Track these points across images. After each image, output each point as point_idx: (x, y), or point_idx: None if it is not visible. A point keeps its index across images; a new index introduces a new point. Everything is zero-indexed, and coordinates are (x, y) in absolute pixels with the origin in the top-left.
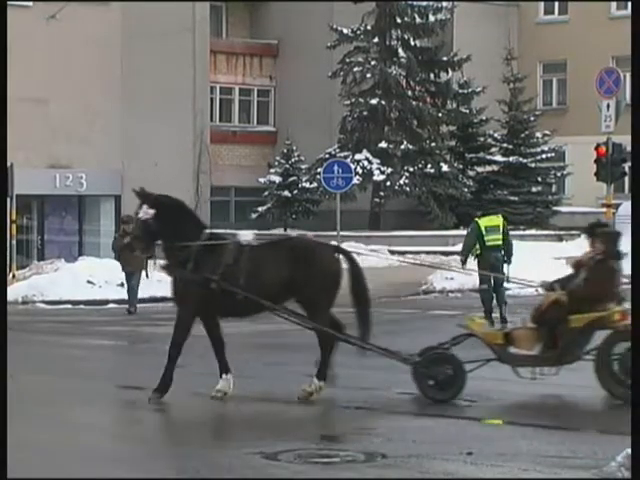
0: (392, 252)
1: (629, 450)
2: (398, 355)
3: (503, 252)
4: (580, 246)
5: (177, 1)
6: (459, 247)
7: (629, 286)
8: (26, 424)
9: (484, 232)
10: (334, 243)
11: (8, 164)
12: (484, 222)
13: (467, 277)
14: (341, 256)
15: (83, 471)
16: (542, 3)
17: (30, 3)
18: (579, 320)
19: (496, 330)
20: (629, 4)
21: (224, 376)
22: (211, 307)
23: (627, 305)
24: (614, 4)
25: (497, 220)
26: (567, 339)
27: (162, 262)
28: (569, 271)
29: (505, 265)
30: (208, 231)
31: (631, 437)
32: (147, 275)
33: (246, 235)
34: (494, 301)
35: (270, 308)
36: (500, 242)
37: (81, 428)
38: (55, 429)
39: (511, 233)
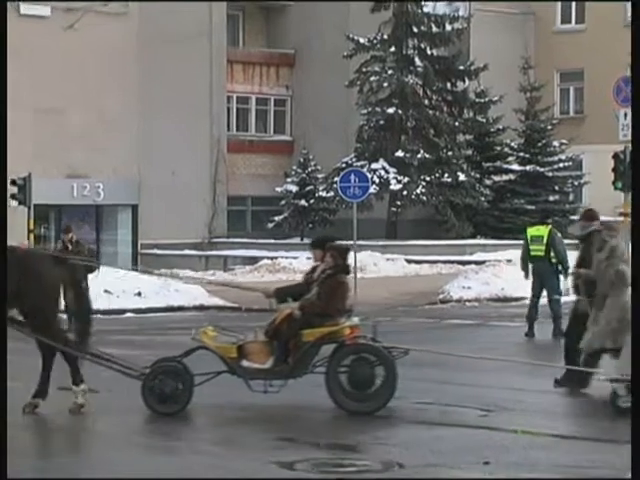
0: (409, 261)
1: None
2: (124, 365)
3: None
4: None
5: (196, 1)
6: (476, 256)
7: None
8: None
9: (529, 241)
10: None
11: (26, 174)
12: (531, 231)
13: (484, 286)
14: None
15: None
16: (559, 11)
17: (48, 13)
18: (311, 334)
19: (229, 343)
20: None
21: None
22: None
23: (355, 319)
24: (630, 12)
25: (543, 230)
26: (299, 353)
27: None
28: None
29: (561, 276)
30: None
31: (631, 440)
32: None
33: None
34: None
35: None
36: (542, 253)
37: (99, 437)
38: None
39: None
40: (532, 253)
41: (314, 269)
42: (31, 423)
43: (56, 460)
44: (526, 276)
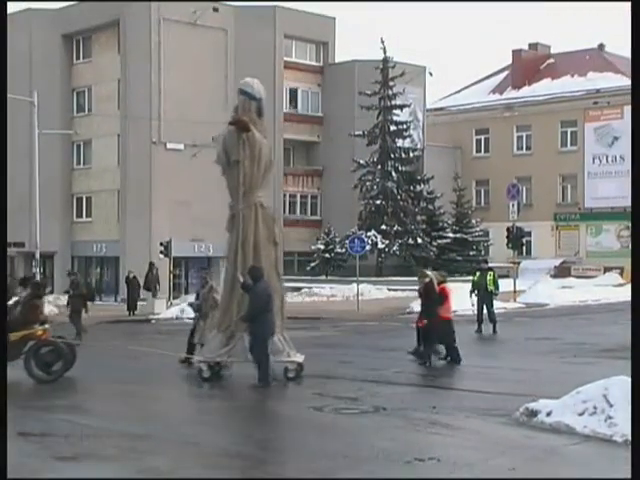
0: (389, 290)
1: (527, 404)
2: None
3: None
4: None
5: None
6: None
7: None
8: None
9: (477, 278)
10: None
11: (168, 239)
12: (477, 274)
13: None
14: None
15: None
16: (474, 146)
17: (182, 147)
18: (16, 335)
19: None
20: (524, 147)
21: None
22: None
23: (47, 326)
24: (515, 147)
25: (483, 273)
26: (10, 347)
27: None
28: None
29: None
30: None
31: (631, 440)
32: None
33: None
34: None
35: None
36: (484, 284)
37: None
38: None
39: (458, 279)
40: (477, 284)
41: (21, 297)
42: None
43: None
44: (471, 296)
